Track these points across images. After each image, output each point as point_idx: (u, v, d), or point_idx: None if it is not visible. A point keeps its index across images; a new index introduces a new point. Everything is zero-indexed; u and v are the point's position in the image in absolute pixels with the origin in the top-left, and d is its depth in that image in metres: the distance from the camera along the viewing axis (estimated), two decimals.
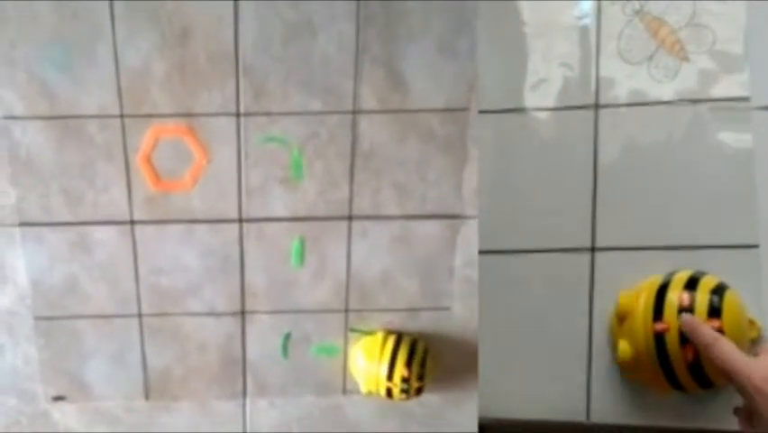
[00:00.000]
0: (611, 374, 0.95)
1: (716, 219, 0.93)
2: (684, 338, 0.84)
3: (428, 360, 1.07)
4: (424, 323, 1.09)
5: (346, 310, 1.09)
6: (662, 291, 0.88)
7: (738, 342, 0.83)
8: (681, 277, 0.88)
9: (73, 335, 1.07)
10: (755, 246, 0.91)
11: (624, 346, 0.90)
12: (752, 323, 0.89)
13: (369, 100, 1.00)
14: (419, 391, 1.06)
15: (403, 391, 1.04)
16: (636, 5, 0.98)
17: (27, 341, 1.07)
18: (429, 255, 1.06)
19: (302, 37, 0.97)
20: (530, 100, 1.01)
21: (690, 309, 0.85)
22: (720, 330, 0.83)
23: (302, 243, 1.05)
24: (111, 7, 0.95)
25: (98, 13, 0.94)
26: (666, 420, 0.93)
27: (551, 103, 1.00)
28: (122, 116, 0.99)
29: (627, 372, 0.92)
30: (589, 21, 1.00)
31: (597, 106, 0.98)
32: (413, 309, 1.09)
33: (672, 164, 0.95)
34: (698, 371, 0.85)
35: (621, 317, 0.92)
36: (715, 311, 0.84)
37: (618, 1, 0.99)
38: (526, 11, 1.03)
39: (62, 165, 1.00)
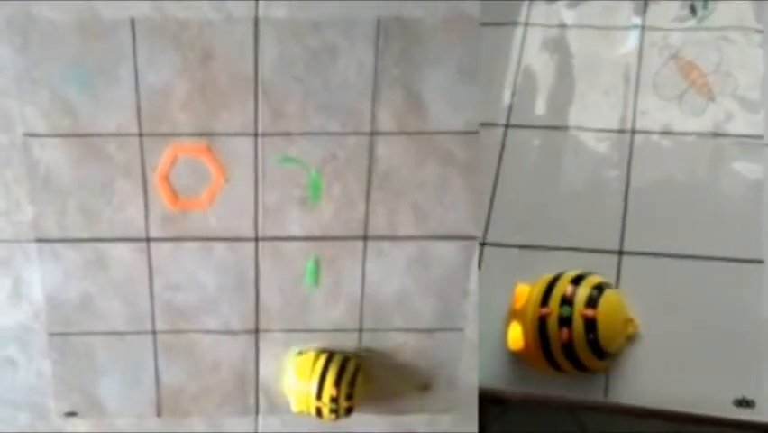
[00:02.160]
0: (631, 357, 1.01)
1: (729, 236, 1.04)
2: (562, 322, 0.96)
3: (359, 379, 1.07)
4: (437, 343, 1.10)
5: (360, 330, 1.09)
6: (552, 283, 1.00)
7: (611, 334, 0.97)
8: (571, 274, 1.00)
9: (87, 351, 1.08)
10: (761, 261, 1.02)
11: (515, 328, 1.00)
12: (630, 320, 1.00)
13: (387, 122, 1.01)
14: (349, 410, 1.06)
15: (332, 410, 1.04)
16: (673, 50, 1.16)
17: (41, 357, 1.07)
18: (444, 276, 1.07)
19: (321, 59, 0.98)
20: (574, 120, 1.16)
21: (571, 298, 0.97)
22: (593, 318, 0.95)
23: (317, 262, 1.06)
24: (133, 30, 0.95)
25: (120, 36, 0.95)
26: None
27: (592, 124, 1.15)
28: (140, 135, 1.00)
29: (515, 352, 1.01)
30: (631, 59, 1.18)
31: (633, 132, 1.13)
32: (427, 330, 1.09)
33: (694, 187, 1.08)
34: (570, 352, 0.96)
35: (516, 304, 1.02)
36: (592, 302, 0.97)
37: (657, 45, 1.17)
38: (576, 47, 1.21)
39: (80, 182, 1.01)
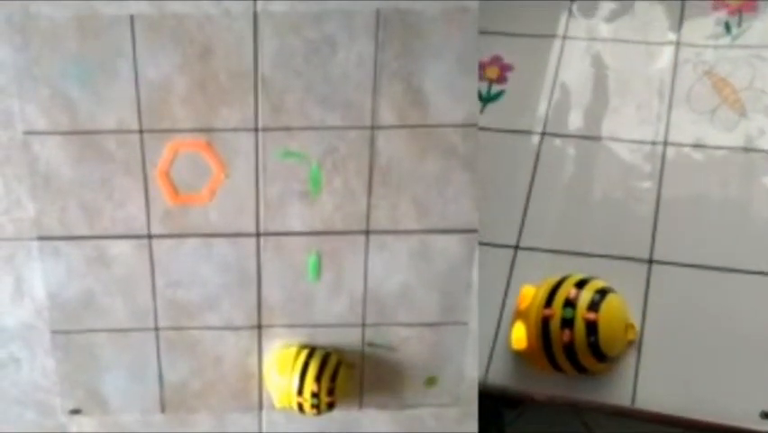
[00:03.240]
0: (661, 365, 1.03)
1: (758, 249, 1.06)
2: (564, 324, 0.97)
3: (341, 374, 1.06)
4: (442, 337, 1.10)
5: (363, 325, 1.09)
6: (556, 286, 1.01)
7: (612, 338, 0.99)
8: (575, 277, 1.02)
9: (90, 348, 1.08)
10: None
11: (518, 328, 1.02)
12: (630, 326, 1.02)
13: (387, 116, 1.00)
14: (331, 405, 1.05)
15: (313, 405, 1.04)
16: (706, 67, 1.19)
17: (45, 354, 1.07)
18: (446, 270, 1.07)
19: (321, 54, 0.97)
20: (608, 131, 1.19)
21: (574, 301, 0.98)
22: (595, 321, 0.97)
23: (319, 257, 1.05)
24: (132, 26, 0.95)
25: (120, 32, 0.95)
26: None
27: (626, 136, 1.18)
28: (141, 131, 0.99)
29: (519, 352, 1.03)
30: (665, 74, 1.21)
31: (665, 144, 1.15)
32: (431, 324, 1.09)
33: (724, 199, 1.10)
34: (571, 353, 0.98)
35: (521, 305, 1.03)
36: (594, 306, 0.98)
37: (691, 61, 1.21)
38: (611, 60, 1.24)
39: (81, 179, 1.01)
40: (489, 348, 1.07)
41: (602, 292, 0.99)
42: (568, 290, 0.99)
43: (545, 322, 0.98)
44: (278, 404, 1.07)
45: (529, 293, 1.02)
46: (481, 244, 1.12)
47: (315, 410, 1.04)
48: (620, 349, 1.00)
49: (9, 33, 0.95)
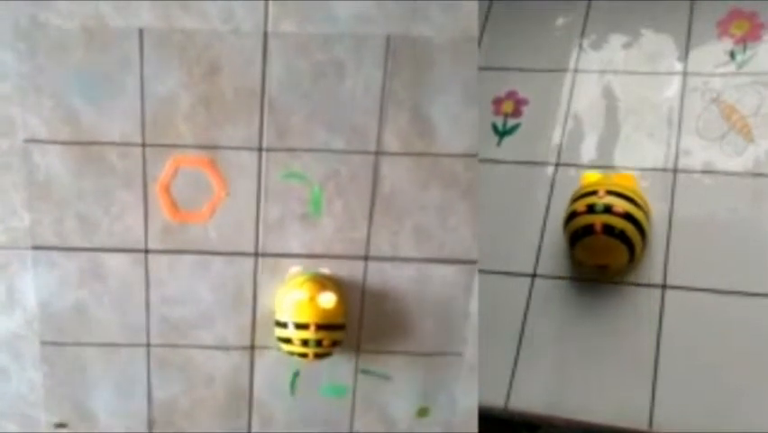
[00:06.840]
0: (677, 388, 1.04)
1: None
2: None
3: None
4: (436, 367, 1.09)
5: (357, 350, 1.08)
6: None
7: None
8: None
9: (79, 362, 1.06)
10: None
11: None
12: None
13: (392, 142, 1.00)
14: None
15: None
16: (714, 94, 1.21)
17: (33, 366, 1.06)
18: (445, 300, 1.06)
19: (329, 77, 0.97)
20: (620, 159, 1.21)
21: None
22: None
23: None
24: (141, 40, 0.95)
25: (127, 45, 0.95)
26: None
27: (637, 164, 1.20)
28: (143, 145, 0.99)
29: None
30: (674, 103, 1.23)
31: (675, 171, 1.17)
32: (425, 354, 1.08)
33: (734, 223, 1.12)
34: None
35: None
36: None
37: (699, 89, 1.22)
38: (621, 91, 1.27)
39: (80, 190, 1.00)
40: (509, 375, 1.09)
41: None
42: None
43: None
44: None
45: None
46: (500, 273, 1.16)
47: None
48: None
49: (15, 41, 0.94)
